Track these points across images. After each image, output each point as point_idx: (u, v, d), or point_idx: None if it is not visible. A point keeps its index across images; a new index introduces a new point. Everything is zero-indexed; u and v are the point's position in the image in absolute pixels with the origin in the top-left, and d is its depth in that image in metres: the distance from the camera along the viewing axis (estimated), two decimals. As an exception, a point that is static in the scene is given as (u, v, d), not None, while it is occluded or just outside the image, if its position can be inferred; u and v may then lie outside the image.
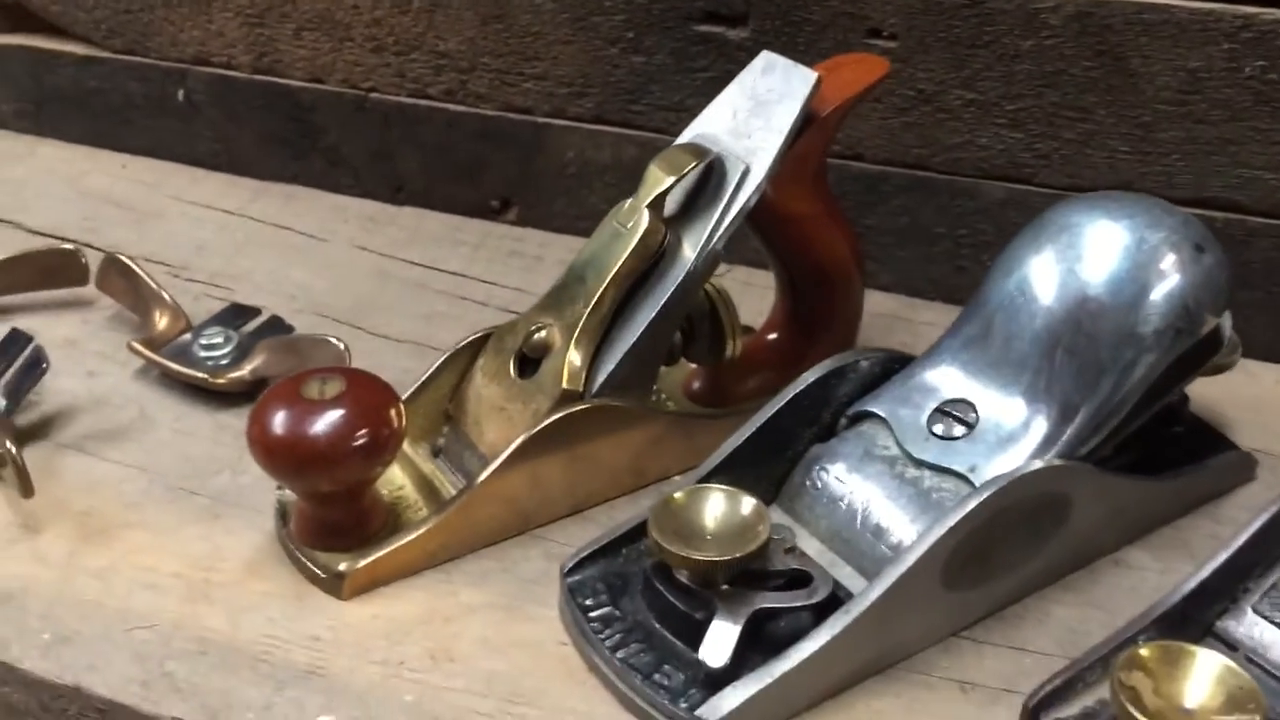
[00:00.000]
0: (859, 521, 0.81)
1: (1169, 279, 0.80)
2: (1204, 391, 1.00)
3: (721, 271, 0.95)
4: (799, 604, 0.73)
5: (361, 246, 1.22)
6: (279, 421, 0.78)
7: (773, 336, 1.00)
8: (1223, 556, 0.75)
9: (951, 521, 0.75)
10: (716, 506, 0.76)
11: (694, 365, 0.98)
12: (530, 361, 0.89)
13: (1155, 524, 0.88)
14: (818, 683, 0.73)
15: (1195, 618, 0.75)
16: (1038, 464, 0.78)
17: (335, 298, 1.13)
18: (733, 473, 0.83)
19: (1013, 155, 1.07)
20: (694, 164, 0.87)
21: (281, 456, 0.79)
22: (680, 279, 0.87)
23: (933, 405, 0.84)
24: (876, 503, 0.81)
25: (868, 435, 0.85)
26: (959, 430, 0.82)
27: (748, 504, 0.75)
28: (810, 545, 0.82)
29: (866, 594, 0.73)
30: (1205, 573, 0.74)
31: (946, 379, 0.84)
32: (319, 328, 1.08)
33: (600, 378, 0.87)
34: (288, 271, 1.17)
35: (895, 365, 0.88)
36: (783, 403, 0.85)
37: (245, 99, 1.32)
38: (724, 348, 0.94)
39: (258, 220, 1.27)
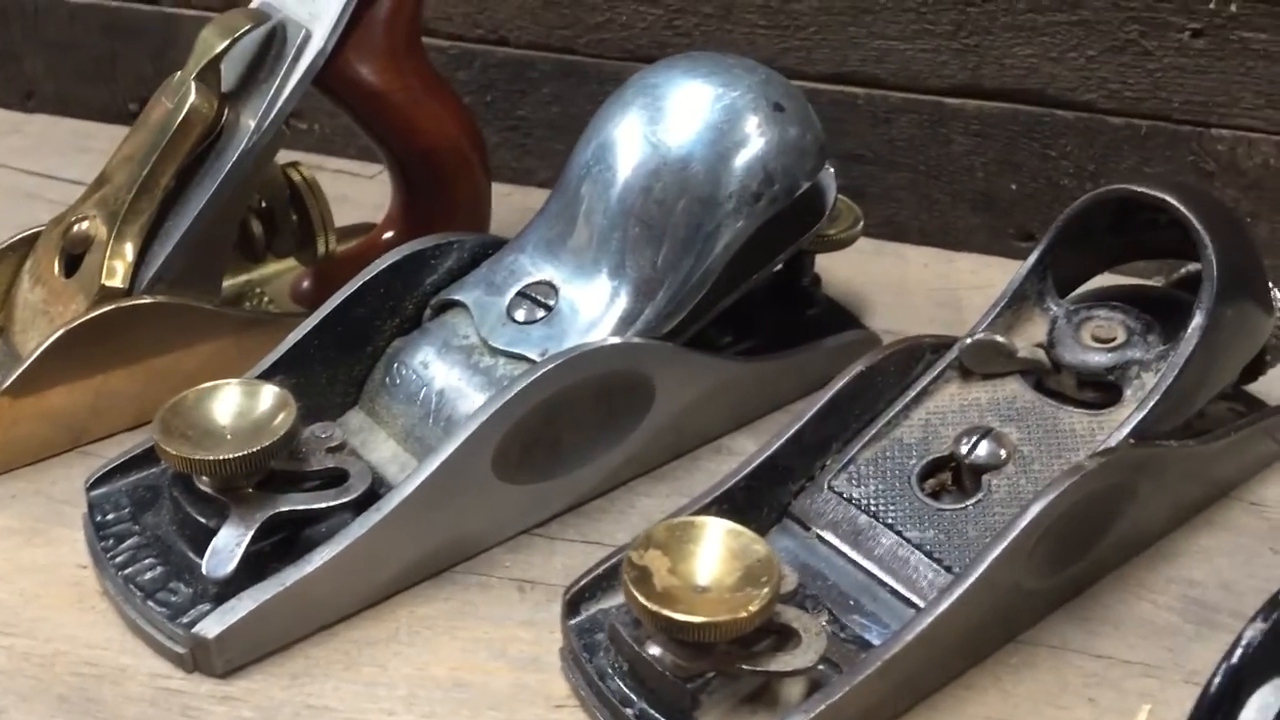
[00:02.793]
0: (431, 417, 0.74)
1: (745, 140, 0.74)
2: (847, 274, 0.96)
3: (373, 172, 0.88)
4: (325, 504, 0.66)
5: (-25, 157, 1.10)
6: None
7: (389, 235, 0.92)
8: (789, 432, 0.70)
9: (497, 404, 0.68)
10: (233, 402, 0.67)
11: (302, 266, 0.90)
12: (76, 258, 0.80)
13: (768, 408, 0.83)
14: (352, 589, 0.66)
15: (767, 497, 0.70)
16: (603, 341, 0.72)
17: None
18: (302, 372, 0.75)
19: (655, 34, 1.01)
20: (247, 27, 0.78)
21: None
22: (236, 156, 0.78)
23: (515, 289, 0.77)
24: (449, 395, 0.74)
25: (450, 325, 0.77)
26: (540, 314, 0.76)
27: (268, 397, 0.68)
28: (386, 447, 0.75)
29: (402, 487, 0.66)
30: (769, 450, 0.69)
31: (531, 261, 0.78)
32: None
33: (151, 271, 0.78)
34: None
35: (490, 251, 0.81)
36: (350, 291, 0.77)
37: None
38: (315, 242, 0.86)
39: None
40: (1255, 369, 0.78)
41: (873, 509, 0.69)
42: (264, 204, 0.85)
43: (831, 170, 0.83)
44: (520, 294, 0.77)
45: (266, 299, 0.90)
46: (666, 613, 0.56)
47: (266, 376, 0.74)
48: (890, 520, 0.68)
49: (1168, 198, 0.70)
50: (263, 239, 0.86)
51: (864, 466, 0.71)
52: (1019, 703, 0.63)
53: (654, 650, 0.58)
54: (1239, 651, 0.51)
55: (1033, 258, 0.75)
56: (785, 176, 0.76)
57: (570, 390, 0.71)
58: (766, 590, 0.57)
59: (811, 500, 0.71)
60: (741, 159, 0.74)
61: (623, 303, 0.75)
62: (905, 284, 0.98)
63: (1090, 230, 0.76)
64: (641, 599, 0.56)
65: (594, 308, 0.75)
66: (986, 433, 0.70)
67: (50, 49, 1.16)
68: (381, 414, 0.77)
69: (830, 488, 0.71)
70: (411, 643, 0.65)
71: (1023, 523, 0.62)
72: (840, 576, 0.68)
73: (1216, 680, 0.50)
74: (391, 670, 0.64)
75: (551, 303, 0.76)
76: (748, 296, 0.86)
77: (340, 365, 0.77)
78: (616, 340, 0.72)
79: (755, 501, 0.69)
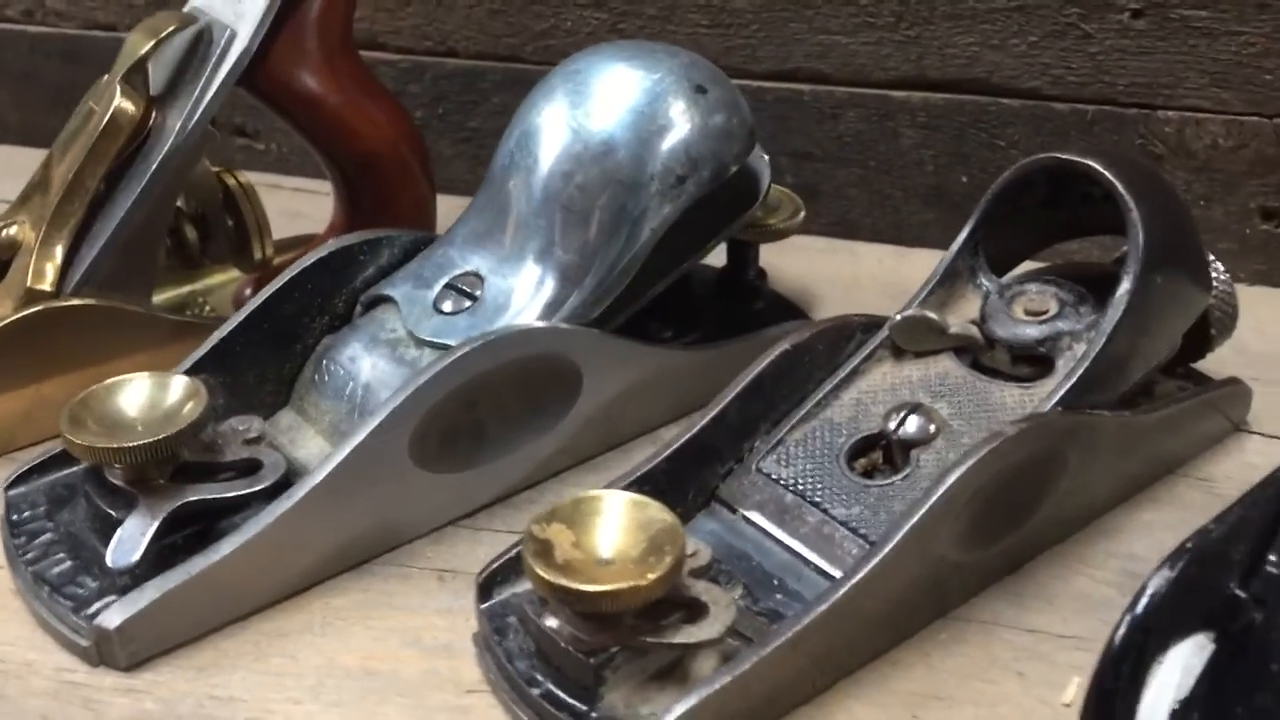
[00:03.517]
0: (356, 410, 0.73)
1: (667, 123, 0.73)
2: (799, 271, 0.95)
3: (329, 190, 0.88)
4: (234, 494, 0.65)
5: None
6: None
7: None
8: (711, 413, 0.68)
9: (409, 389, 0.67)
10: (143, 394, 0.67)
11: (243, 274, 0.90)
12: (4, 264, 0.79)
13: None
14: (264, 579, 0.65)
15: (692, 480, 0.68)
16: (522, 324, 0.71)
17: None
18: (229, 370, 0.74)
19: (600, 38, 1.00)
20: (172, 28, 0.78)
21: None
22: (161, 158, 0.78)
23: (443, 282, 0.76)
24: (373, 387, 0.73)
25: (379, 320, 0.77)
26: (466, 304, 0.75)
27: (179, 388, 0.67)
28: (314, 444, 0.74)
29: (313, 475, 0.65)
30: (691, 431, 0.68)
31: (460, 253, 0.77)
32: None
33: (79, 274, 0.78)
34: None
35: (423, 247, 0.81)
36: (276, 287, 0.76)
37: None
38: (251, 247, 0.86)
39: None
40: (1201, 344, 0.77)
41: (800, 488, 0.67)
42: (198, 209, 0.84)
43: (766, 157, 0.82)
44: (448, 286, 0.76)
45: (209, 309, 0.90)
46: (563, 582, 0.54)
47: (191, 373, 0.73)
48: (817, 499, 0.67)
49: (1091, 163, 0.69)
50: (197, 244, 0.85)
51: (793, 447, 0.70)
52: (945, 677, 0.61)
53: (551, 622, 0.56)
54: (1143, 601, 0.49)
55: (963, 234, 0.74)
56: (710, 160, 0.75)
57: (490, 376, 0.69)
58: (668, 560, 0.55)
59: (739, 482, 0.69)
60: (663, 142, 0.73)
61: (548, 290, 0.74)
62: (857, 280, 0.97)
63: (1022, 205, 0.75)
64: (540, 571, 0.55)
65: (520, 296, 0.74)
66: (915, 408, 0.69)
67: (12, 79, 1.17)
68: (310, 411, 0.76)
69: (758, 469, 0.69)
70: (324, 633, 0.64)
71: (940, 490, 0.60)
72: (765, 557, 0.66)
73: (1120, 631, 0.49)
74: (302, 661, 0.62)
75: (478, 293, 0.75)
76: (690, 289, 0.86)
77: (269, 363, 0.76)
78: (537, 324, 0.71)
79: (679, 484, 0.68)
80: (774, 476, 0.68)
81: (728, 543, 0.67)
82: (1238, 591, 0.51)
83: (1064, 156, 0.70)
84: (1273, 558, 0.52)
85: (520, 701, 0.58)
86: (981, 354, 0.72)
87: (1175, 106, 0.91)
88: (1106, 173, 0.68)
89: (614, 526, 0.57)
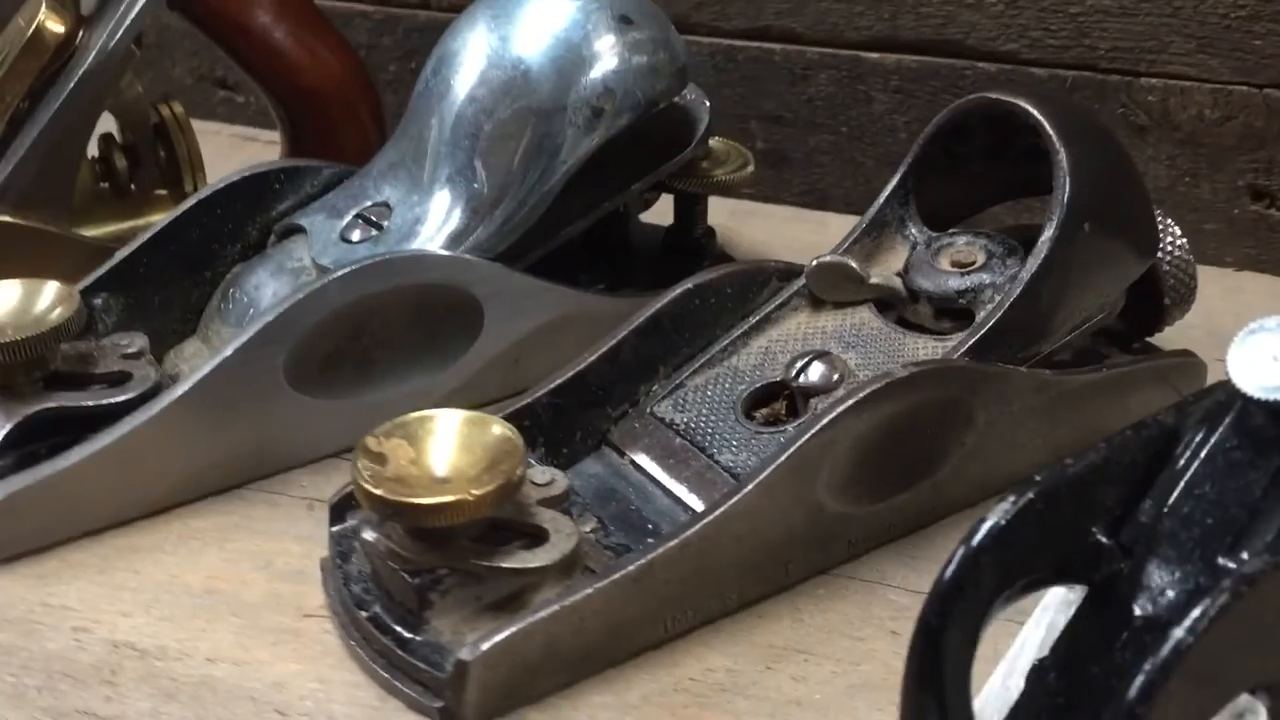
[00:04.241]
0: (247, 336, 0.71)
1: (586, 52, 0.70)
2: (762, 238, 0.91)
3: None
4: (95, 402, 0.63)
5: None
6: None
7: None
8: (602, 349, 0.65)
9: (283, 307, 0.65)
10: (13, 298, 0.64)
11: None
12: (-72, 179, 0.79)
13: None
14: (121, 492, 0.62)
15: (581, 420, 0.64)
16: (412, 250, 0.68)
17: None
18: (132, 292, 0.73)
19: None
20: (102, -51, 0.77)
21: None
22: (80, 75, 0.77)
23: (354, 212, 0.74)
24: (271, 316, 0.71)
25: (287, 249, 0.74)
26: (373, 234, 0.72)
27: (51, 293, 0.65)
28: (213, 372, 0.72)
29: (173, 390, 0.63)
30: (579, 366, 0.64)
31: (374, 184, 0.75)
32: None
33: (-6, 190, 0.77)
34: None
35: (346, 179, 0.78)
36: (181, 210, 0.74)
37: None
38: (183, 180, 0.84)
39: None
40: (1155, 315, 0.71)
41: (691, 434, 0.63)
42: (130, 139, 0.83)
43: (707, 103, 0.78)
44: (358, 216, 0.74)
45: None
46: (382, 494, 0.51)
47: (90, 293, 0.72)
48: (705, 444, 0.63)
49: (1021, 102, 0.64)
50: (127, 173, 0.84)
51: (692, 393, 0.66)
52: (812, 632, 0.56)
53: (368, 535, 0.53)
54: (978, 534, 0.44)
55: (893, 181, 0.70)
56: (630, 95, 0.71)
57: (376, 301, 0.67)
58: (501, 479, 0.52)
59: (631, 426, 0.65)
60: (581, 73, 0.70)
61: (455, 220, 0.71)
62: (820, 249, 0.92)
63: (959, 154, 0.70)
64: (363, 482, 0.52)
65: (427, 226, 0.71)
66: (820, 356, 0.65)
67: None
68: (213, 339, 0.73)
69: (652, 413, 0.65)
70: (175, 551, 0.62)
71: (813, 430, 0.56)
72: (646, 501, 0.62)
73: (951, 566, 0.44)
74: (145, 576, 0.60)
75: (385, 223, 0.72)
76: (631, 243, 0.82)
77: (175, 288, 0.74)
78: (428, 250, 0.68)
79: (566, 424, 0.64)
80: (667, 421, 0.65)
81: (610, 485, 0.63)
82: (1102, 538, 0.47)
83: (994, 96, 0.66)
84: (1146, 506, 0.47)
85: (351, 625, 0.55)
86: (904, 307, 0.68)
87: (1159, 73, 0.85)
88: (1035, 111, 0.64)
89: (455, 445, 0.54)
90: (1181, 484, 0.47)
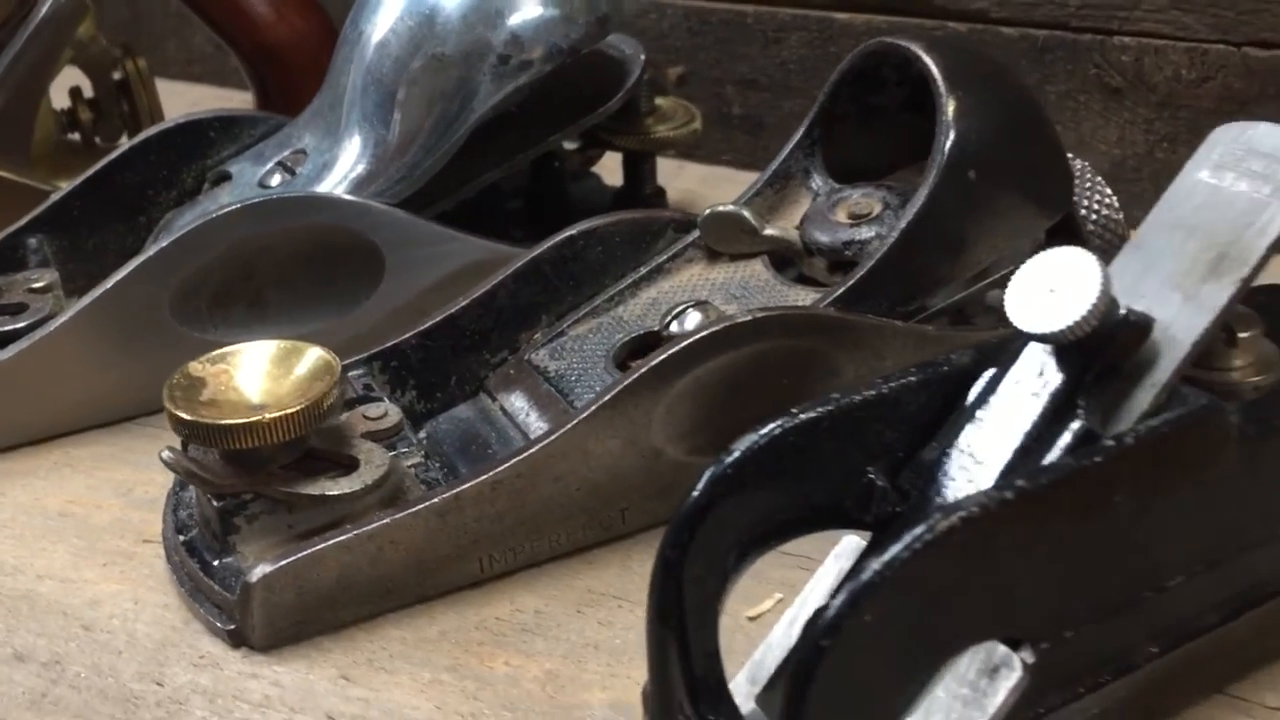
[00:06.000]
0: (168, 278, 0.72)
1: (496, 2, 0.69)
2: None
3: None
4: (-16, 329, 0.65)
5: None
6: None
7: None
8: (477, 293, 0.64)
9: (167, 239, 0.66)
10: None
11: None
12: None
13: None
14: (7, 422, 0.64)
15: (455, 365, 0.64)
16: (301, 190, 0.69)
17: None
18: (66, 234, 0.75)
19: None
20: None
21: None
22: (34, 25, 0.79)
23: (276, 159, 0.75)
24: (185, 259, 0.72)
25: (214, 195, 0.76)
26: (287, 179, 0.73)
27: None
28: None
29: (54, 320, 0.64)
30: (451, 309, 0.63)
31: (298, 131, 0.75)
32: None
33: (-52, 135, 0.80)
34: None
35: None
36: (116, 155, 0.76)
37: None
38: (141, 129, 0.86)
39: None
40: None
41: (557, 381, 0.62)
42: (94, 90, 0.86)
43: (643, 57, 0.77)
44: (279, 163, 0.74)
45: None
46: (181, 414, 0.51)
47: (24, 233, 0.74)
48: (568, 391, 0.61)
49: (911, 45, 0.61)
50: (91, 125, 0.86)
51: (571, 341, 0.64)
52: (635, 580, 0.55)
53: (167, 455, 0.53)
54: (720, 464, 0.42)
55: (799, 132, 0.67)
56: (541, 43, 0.70)
57: (267, 240, 0.67)
58: (303, 404, 0.51)
59: (506, 372, 0.65)
60: (490, 21, 0.69)
61: (361, 167, 0.71)
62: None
63: (872, 106, 0.67)
64: (168, 403, 0.52)
65: (335, 172, 0.71)
66: (696, 305, 0.63)
67: None
68: (142, 283, 0.75)
69: (528, 360, 0.64)
70: (48, 477, 0.63)
71: (642, 369, 0.54)
72: (505, 445, 0.61)
73: (694, 493, 0.42)
74: (9, 499, 0.61)
75: (300, 169, 0.73)
76: (569, 203, 0.81)
77: (110, 232, 0.76)
78: (318, 192, 0.68)
79: (439, 367, 0.64)
80: (540, 368, 0.63)
81: (476, 430, 0.63)
82: (879, 480, 0.44)
83: (888, 40, 0.63)
84: (931, 446, 0.44)
85: (172, 550, 0.56)
86: (800, 260, 0.65)
87: (1132, 31, 0.81)
88: (923, 55, 0.61)
89: (277, 373, 0.54)
90: (967, 423, 0.44)
